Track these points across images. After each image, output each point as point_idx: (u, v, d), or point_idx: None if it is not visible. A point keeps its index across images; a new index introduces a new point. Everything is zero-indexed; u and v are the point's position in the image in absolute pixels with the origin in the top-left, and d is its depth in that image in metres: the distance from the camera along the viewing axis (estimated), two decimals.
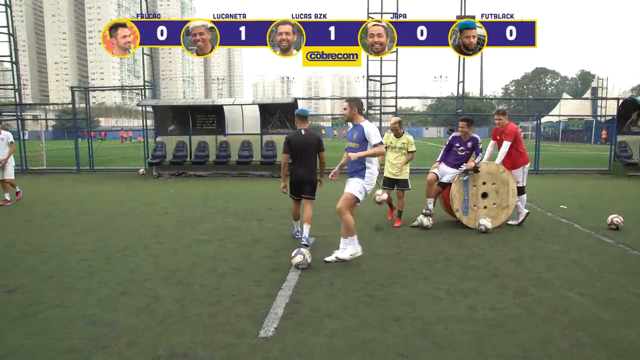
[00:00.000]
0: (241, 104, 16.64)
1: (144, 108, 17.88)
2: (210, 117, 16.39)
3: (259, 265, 5.43)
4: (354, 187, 5.42)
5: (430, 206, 7.29)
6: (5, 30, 17.56)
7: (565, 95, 59.84)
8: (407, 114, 67.15)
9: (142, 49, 16.32)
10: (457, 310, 4.06)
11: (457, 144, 7.30)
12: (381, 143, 5.40)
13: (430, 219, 7.18)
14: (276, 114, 15.92)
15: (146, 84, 17.67)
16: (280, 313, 4.02)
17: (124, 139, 51.56)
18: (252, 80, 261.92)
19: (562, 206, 9.33)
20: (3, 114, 20.21)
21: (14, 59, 17.99)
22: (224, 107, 16.34)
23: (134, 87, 20.40)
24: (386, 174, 7.68)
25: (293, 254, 5.26)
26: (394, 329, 3.70)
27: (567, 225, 7.66)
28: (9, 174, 10.03)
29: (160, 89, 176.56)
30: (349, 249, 5.47)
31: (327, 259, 5.51)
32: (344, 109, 5.56)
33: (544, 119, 44.91)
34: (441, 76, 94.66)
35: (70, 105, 18.97)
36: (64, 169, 18.88)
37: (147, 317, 3.99)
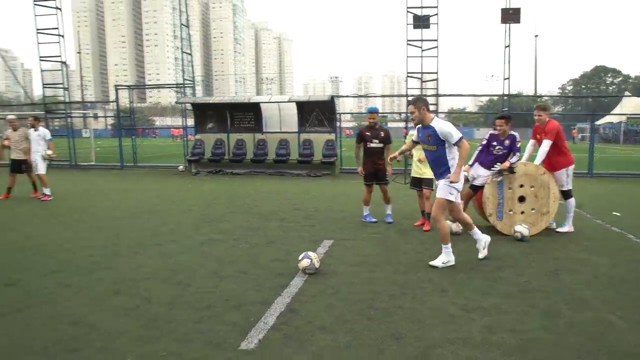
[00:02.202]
0: (278, 102, 16.40)
1: (183, 106, 18.00)
2: (248, 115, 16.27)
3: (264, 269, 5.08)
4: (444, 190, 5.15)
5: None
6: (56, 32, 18.13)
7: (626, 93, 55.95)
8: (453, 113, 65.41)
9: (182, 47, 16.40)
10: (470, 332, 3.52)
11: (495, 142, 6.68)
12: (461, 138, 5.01)
13: (457, 226, 6.58)
14: (313, 112, 15.58)
15: (186, 81, 17.76)
16: (270, 323, 3.65)
17: (174, 137, 52.83)
18: (303, 80, 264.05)
19: (614, 213, 8.43)
20: (53, 112, 20.94)
21: (63, 59, 18.53)
22: (262, 105, 16.17)
23: (172, 85, 20.60)
24: (413, 173, 7.18)
25: (300, 257, 4.87)
26: (391, 350, 3.23)
27: (619, 234, 6.84)
28: (41, 169, 10.15)
29: (213, 88, 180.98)
30: (441, 256, 5.18)
31: (431, 263, 5.22)
32: (411, 112, 5.18)
33: (603, 120, 42.30)
34: (492, 75, 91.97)
35: (125, 105, 19.41)
36: (110, 165, 19.32)
37: (131, 320, 3.73)
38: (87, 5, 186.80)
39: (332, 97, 15.71)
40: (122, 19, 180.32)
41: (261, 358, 3.11)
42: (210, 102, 17.10)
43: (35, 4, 17.77)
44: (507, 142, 6.58)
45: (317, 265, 4.83)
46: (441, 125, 5.07)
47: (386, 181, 7.49)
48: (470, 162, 6.79)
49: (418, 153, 6.95)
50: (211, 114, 16.66)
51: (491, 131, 6.85)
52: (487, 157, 6.73)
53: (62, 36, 18.03)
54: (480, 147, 6.86)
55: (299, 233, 6.84)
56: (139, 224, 7.59)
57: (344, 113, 21.29)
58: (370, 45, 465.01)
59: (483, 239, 5.48)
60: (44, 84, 18.93)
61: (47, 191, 10.13)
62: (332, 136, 15.45)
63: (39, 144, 10.15)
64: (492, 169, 6.54)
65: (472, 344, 3.32)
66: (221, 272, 4.99)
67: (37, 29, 17.92)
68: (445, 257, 5.17)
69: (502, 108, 16.85)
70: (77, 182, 13.72)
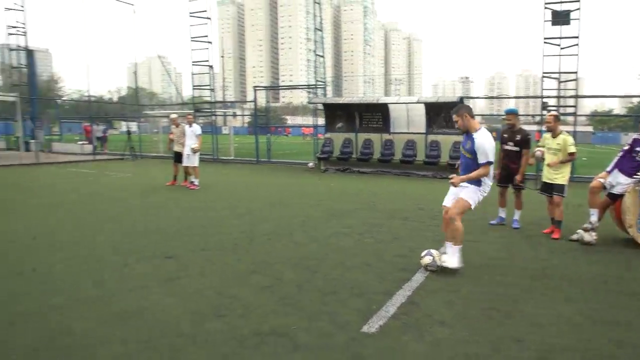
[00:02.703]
0: (406, 102, 16.47)
1: (315, 106, 18.87)
2: (376, 115, 16.56)
3: (387, 263, 5.31)
4: (471, 195, 5.00)
5: (594, 218, 6.25)
6: (205, 39, 20.15)
7: None
8: (596, 116, 59.26)
9: (315, 50, 17.20)
10: (595, 342, 3.41)
11: (639, 148, 6.18)
12: (489, 163, 4.84)
13: (594, 234, 6.17)
14: (441, 114, 15.40)
15: (318, 83, 18.61)
16: (391, 312, 3.88)
17: (305, 136, 55.09)
18: (432, 80, 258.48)
19: None
20: (201, 110, 23.21)
21: (210, 64, 20.49)
22: (389, 106, 16.36)
23: (305, 87, 21.64)
24: (543, 178, 6.89)
25: (422, 254, 5.03)
26: (509, 350, 3.27)
27: None
28: (193, 161, 11.42)
29: (342, 89, 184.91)
30: (455, 258, 4.99)
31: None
32: (455, 122, 5.10)
33: None
34: None
35: (261, 104, 20.97)
36: (246, 159, 20.97)
37: (266, 296, 4.22)
38: (230, 14, 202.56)
39: (462, 99, 15.38)
40: (260, 24, 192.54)
41: (381, 341, 3.36)
42: (340, 102, 17.72)
43: (190, 15, 19.91)
44: None
45: (438, 262, 4.94)
46: (482, 140, 4.84)
47: (520, 186, 7.31)
48: (609, 169, 6.34)
49: (549, 157, 6.69)
50: (340, 114, 17.26)
51: (635, 135, 6.33)
52: (629, 164, 6.23)
53: (210, 43, 19.96)
54: (622, 152, 6.36)
55: (422, 232, 6.96)
56: (273, 214, 8.28)
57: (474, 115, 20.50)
58: (504, 43, 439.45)
59: (440, 257, 4.95)
60: (193, 86, 21.11)
61: (196, 181, 11.39)
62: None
63: (191, 139, 11.46)
64: (635, 176, 6.05)
65: (596, 354, 3.23)
66: (347, 262, 5.33)
67: (191, 37, 20.05)
68: (452, 258, 4.95)
69: None
70: (219, 174, 15.18)
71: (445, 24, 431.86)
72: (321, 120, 18.95)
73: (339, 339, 3.38)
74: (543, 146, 6.80)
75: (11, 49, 23.33)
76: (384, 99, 16.82)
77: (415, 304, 4.08)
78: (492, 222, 7.57)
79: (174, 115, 12.60)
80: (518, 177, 7.20)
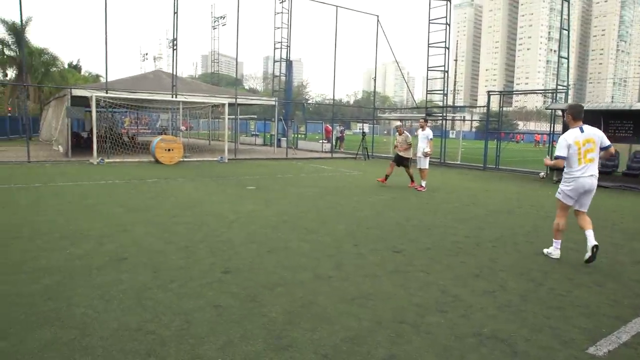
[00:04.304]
0: None
1: (553, 112, 17.57)
2: (626, 123, 14.65)
3: (623, 287, 4.92)
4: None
5: None
6: (442, 44, 20.53)
7: None
8: None
9: (559, 50, 15.98)
10: None
11: None
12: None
13: None
14: None
15: (558, 87, 17.28)
16: (624, 339, 3.68)
17: (536, 143, 51.16)
18: None
19: None
20: (432, 114, 23.69)
21: (445, 69, 20.80)
22: None
23: (544, 91, 20.20)
24: None
25: None
26: None
27: None
28: (425, 164, 11.96)
29: (586, 92, 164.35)
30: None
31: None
32: None
33: None
34: None
35: (492, 108, 20.55)
36: (473, 165, 20.71)
37: (488, 300, 4.39)
38: (467, 16, 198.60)
39: None
40: (497, 25, 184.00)
41: None
42: (586, 109, 16.10)
43: (430, 22, 20.55)
44: None
45: None
46: None
47: None
48: None
49: None
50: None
51: None
52: None
53: (448, 48, 20.26)
54: None
55: None
56: (497, 221, 8.24)
57: None
58: None
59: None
60: (427, 91, 21.71)
61: (423, 183, 11.90)
62: None
63: (422, 142, 11.96)
64: None
65: None
66: (575, 279, 5.11)
67: (429, 44, 20.69)
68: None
69: None
70: (446, 177, 15.42)
71: None
72: (558, 127, 17.55)
73: (560, 355, 3.39)
74: None
75: (275, 61, 27.52)
76: (637, 105, 14.69)
77: None
78: None
79: (398, 123, 13.19)
80: None
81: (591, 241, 5.64)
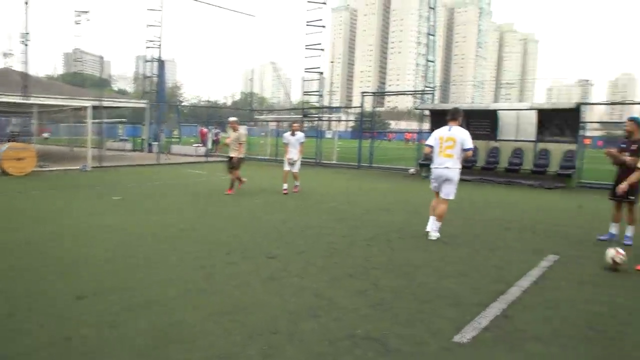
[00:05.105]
0: (517, 109, 15.78)
1: (421, 111, 18.75)
2: (484, 122, 16.05)
3: (483, 274, 5.24)
4: None
5: None
6: (319, 46, 20.95)
7: None
8: None
9: (426, 55, 17.09)
10: None
11: None
12: None
13: None
14: (555, 121, 14.54)
15: (426, 88, 18.48)
16: (484, 324, 3.86)
17: (407, 141, 54.47)
18: (547, 84, 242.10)
19: None
20: (309, 115, 24.04)
21: (321, 70, 21.23)
22: (498, 112, 15.78)
23: (413, 92, 21.56)
24: None
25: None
26: None
27: None
28: (296, 168, 11.72)
29: (450, 93, 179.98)
30: None
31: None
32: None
33: None
34: None
35: (366, 109, 21.35)
36: (348, 164, 21.35)
37: (361, 300, 4.37)
38: (342, 19, 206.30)
39: (579, 105, 14.39)
40: (371, 29, 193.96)
41: (472, 352, 3.38)
42: (449, 108, 17.35)
43: (307, 24, 20.80)
44: None
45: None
46: None
47: (630, 199, 6.72)
48: None
49: None
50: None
51: None
52: None
53: (323, 50, 20.71)
54: None
55: (522, 244, 6.75)
56: (371, 219, 8.44)
57: (590, 122, 19.23)
58: (632, 42, 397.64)
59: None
60: (303, 92, 21.99)
61: (297, 183, 11.67)
62: (573, 146, 14.19)
63: (295, 147, 11.66)
64: None
65: None
66: (442, 271, 5.34)
67: (306, 46, 20.93)
68: None
69: None
70: (318, 179, 15.65)
71: (565, 23, 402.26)
72: (426, 126, 18.77)
73: (431, 347, 3.44)
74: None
75: (147, 60, 25.98)
76: (494, 105, 16.27)
77: (509, 317, 4.01)
78: (601, 237, 7.07)
79: (232, 119, 11.62)
80: (621, 186, 6.35)
81: (428, 226, 6.98)
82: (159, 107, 25.77)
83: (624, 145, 6.85)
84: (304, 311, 4.09)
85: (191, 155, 25.37)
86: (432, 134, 7.23)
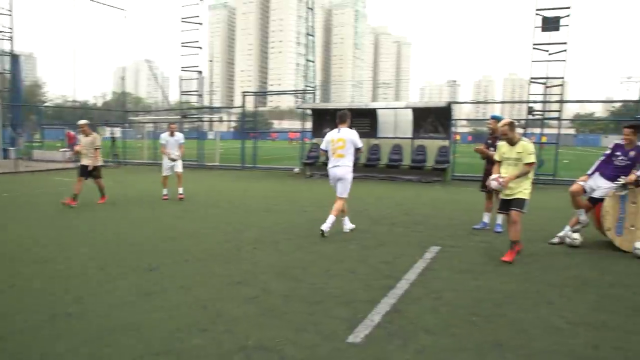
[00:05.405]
0: (394, 108, 16.59)
1: (303, 111, 18.93)
2: (364, 120, 16.62)
3: (372, 270, 5.34)
4: None
5: (583, 217, 6.35)
6: (196, 44, 20.18)
7: None
8: (578, 120, 60.05)
9: (306, 55, 17.27)
10: (574, 345, 3.48)
11: (618, 153, 6.31)
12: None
13: (579, 236, 6.32)
14: (429, 118, 15.53)
15: (307, 88, 18.68)
16: (376, 320, 3.90)
17: (291, 140, 54.99)
18: (420, 84, 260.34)
19: None
20: (187, 116, 23.14)
21: (199, 69, 20.50)
22: (377, 111, 16.46)
23: (295, 92, 21.73)
24: (501, 194, 6.04)
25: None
26: (491, 356, 3.32)
27: None
28: (179, 167, 11.15)
29: (331, 93, 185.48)
30: None
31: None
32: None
33: None
34: (630, 77, 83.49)
35: (248, 109, 21.01)
36: (232, 165, 20.91)
37: (252, 308, 4.18)
38: (221, 17, 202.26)
39: (449, 104, 15.53)
40: (251, 28, 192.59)
41: (366, 352, 3.38)
42: (330, 108, 17.77)
43: (182, 21, 19.90)
44: (632, 153, 6.19)
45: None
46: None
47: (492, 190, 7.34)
48: (590, 172, 6.49)
49: (507, 169, 5.89)
50: (329, 119, 17.29)
51: (617, 140, 6.48)
52: (610, 168, 6.36)
53: (201, 48, 19.99)
54: (604, 156, 6.50)
55: (407, 238, 7.02)
56: (257, 221, 8.26)
57: (459, 119, 20.87)
58: (493, 47, 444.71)
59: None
60: (181, 91, 21.07)
61: (180, 190, 11.16)
62: (446, 142, 15.30)
63: (174, 148, 11.06)
64: (616, 181, 6.16)
65: (575, 357, 3.30)
66: (331, 270, 5.34)
67: (182, 43, 20.03)
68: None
69: (636, 115, 15.38)
70: (202, 181, 15.11)
71: (435, 28, 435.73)
72: (308, 125, 19.02)
73: (324, 350, 3.38)
74: (500, 160, 6.02)
75: None
76: (372, 105, 16.92)
77: (399, 311, 4.11)
78: (476, 226, 7.66)
79: (82, 122, 10.16)
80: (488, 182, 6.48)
81: (324, 225, 7.03)
82: (15, 107, 23.06)
83: (490, 141, 7.51)
84: (192, 326, 3.81)
85: (58, 161, 23.06)
86: (324, 139, 7.49)
